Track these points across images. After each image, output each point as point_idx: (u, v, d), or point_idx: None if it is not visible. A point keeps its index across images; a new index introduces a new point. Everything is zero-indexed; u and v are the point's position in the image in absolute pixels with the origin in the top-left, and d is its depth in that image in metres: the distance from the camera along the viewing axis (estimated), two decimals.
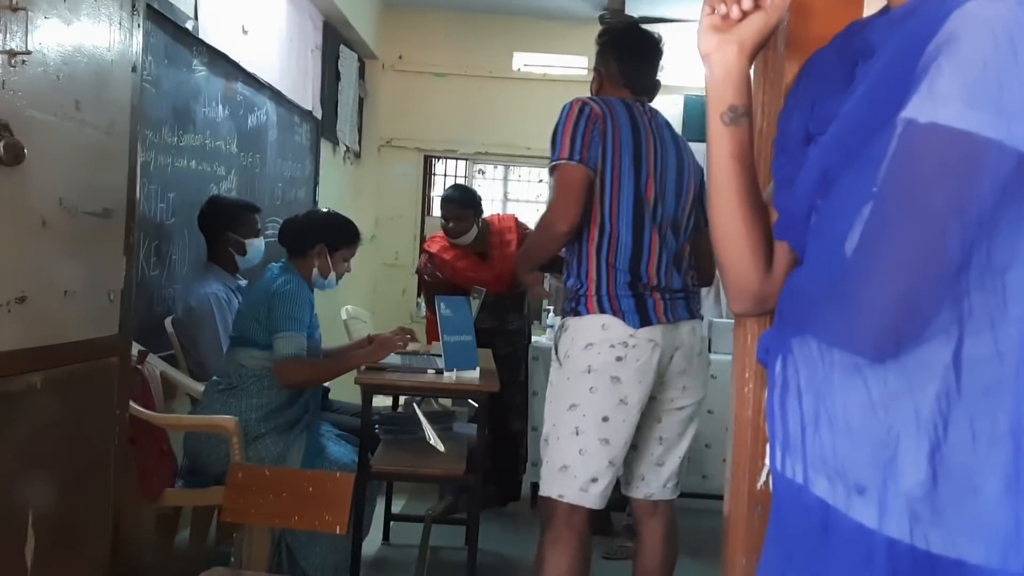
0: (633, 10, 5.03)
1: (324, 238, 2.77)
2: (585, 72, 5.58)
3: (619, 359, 2.02)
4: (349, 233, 2.87)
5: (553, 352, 2.15)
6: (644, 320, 2.04)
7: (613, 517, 3.42)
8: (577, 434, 2.03)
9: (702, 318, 2.21)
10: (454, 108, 6.05)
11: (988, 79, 0.70)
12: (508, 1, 5.67)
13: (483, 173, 6.37)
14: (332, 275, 2.81)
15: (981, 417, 0.75)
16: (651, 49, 2.29)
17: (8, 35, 1.42)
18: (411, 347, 2.98)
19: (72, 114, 1.63)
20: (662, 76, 2.35)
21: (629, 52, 2.26)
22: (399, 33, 6.02)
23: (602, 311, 2.04)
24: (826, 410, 0.81)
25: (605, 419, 2.02)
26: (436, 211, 6.45)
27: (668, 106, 6.00)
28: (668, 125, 2.25)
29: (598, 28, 2.91)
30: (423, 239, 6.27)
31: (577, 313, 2.08)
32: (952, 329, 0.75)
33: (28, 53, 1.46)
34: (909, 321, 0.75)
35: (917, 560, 0.76)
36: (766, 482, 1.30)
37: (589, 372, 2.03)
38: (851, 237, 0.78)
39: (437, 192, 6.50)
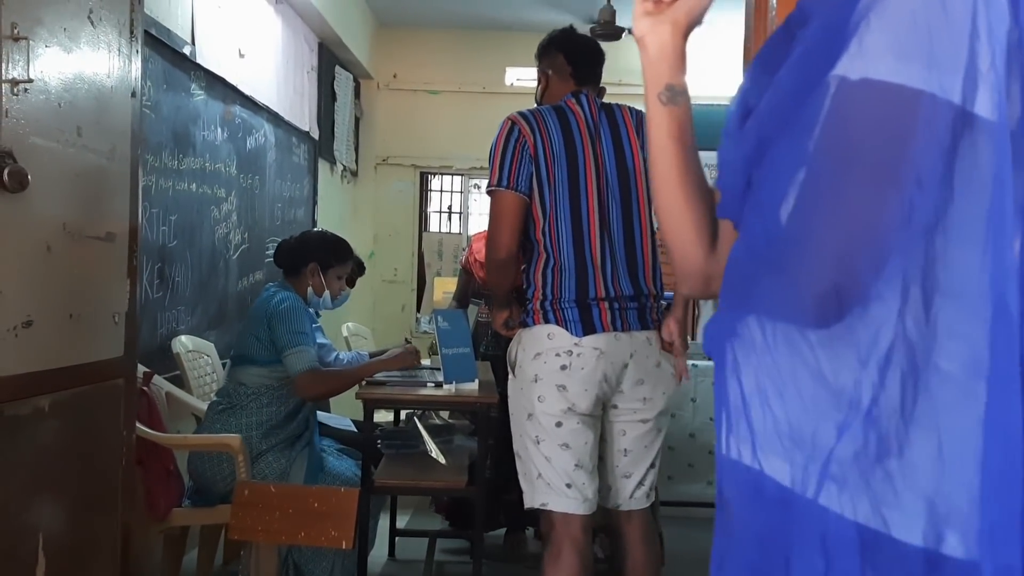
0: (623, 24, 5.08)
1: (316, 257, 2.82)
2: None
3: (564, 367, 2.04)
4: (340, 251, 2.92)
5: (508, 364, 2.18)
6: (588, 328, 2.05)
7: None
8: (538, 443, 2.06)
9: (658, 328, 2.13)
10: (449, 124, 6.10)
11: (918, 31, 0.68)
12: (499, 17, 5.73)
13: (478, 188, 6.41)
14: (327, 294, 2.85)
15: (918, 383, 0.71)
16: (590, 40, 2.41)
17: (10, 64, 1.45)
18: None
19: (74, 140, 1.66)
20: None
21: (571, 43, 2.33)
22: (393, 52, 6.07)
23: (547, 321, 2.07)
24: (775, 386, 0.79)
25: (559, 424, 2.04)
26: (433, 227, 6.49)
27: None
28: (620, 122, 2.20)
29: None
30: (421, 255, 6.30)
31: (526, 324, 2.12)
32: (894, 290, 0.71)
33: (30, 81, 1.50)
34: (849, 283, 0.72)
35: (880, 545, 0.72)
36: None
37: (536, 381, 2.05)
38: (786, 203, 0.76)
39: (433, 208, 6.54)
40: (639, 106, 1.89)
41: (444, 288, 5.54)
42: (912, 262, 0.71)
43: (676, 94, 0.91)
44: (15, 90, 1.46)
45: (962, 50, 0.67)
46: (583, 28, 5.42)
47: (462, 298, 3.72)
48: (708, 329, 0.87)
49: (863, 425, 0.72)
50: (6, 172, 1.42)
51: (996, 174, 0.67)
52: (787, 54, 0.81)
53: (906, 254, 0.71)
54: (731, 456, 0.83)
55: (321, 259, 2.84)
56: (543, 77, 2.35)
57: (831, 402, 0.75)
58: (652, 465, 2.20)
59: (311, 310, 2.88)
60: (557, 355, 2.05)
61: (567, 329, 2.06)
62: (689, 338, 2.23)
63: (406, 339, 3.40)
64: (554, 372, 2.04)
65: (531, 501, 2.10)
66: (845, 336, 0.74)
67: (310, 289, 2.82)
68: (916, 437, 0.71)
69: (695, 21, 0.91)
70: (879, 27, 0.69)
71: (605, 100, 2.30)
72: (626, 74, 3.64)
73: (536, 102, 2.39)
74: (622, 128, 2.20)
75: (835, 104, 0.72)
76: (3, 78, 1.43)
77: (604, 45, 2.46)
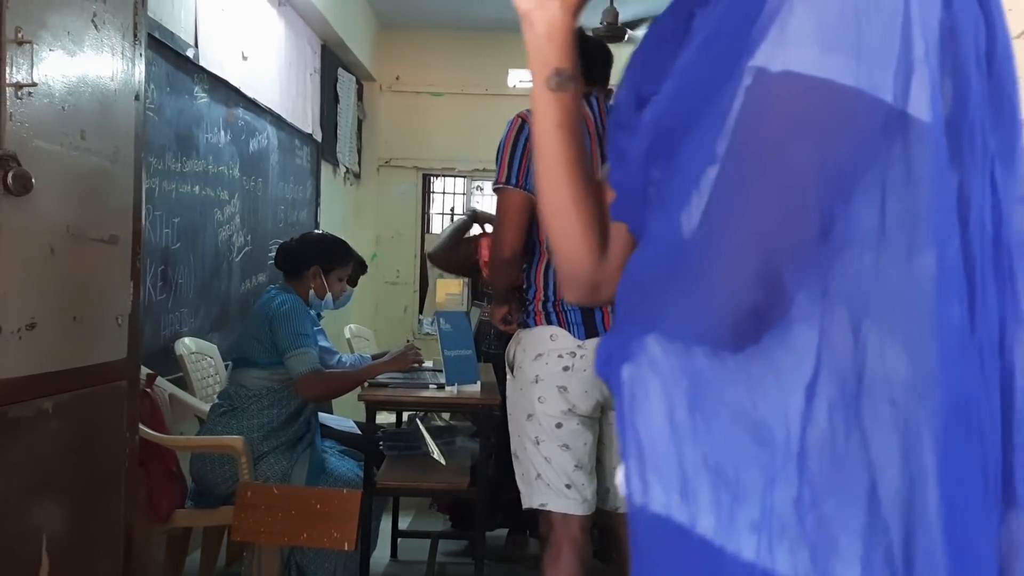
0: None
1: (318, 260, 2.83)
2: None
3: (566, 369, 2.05)
4: (342, 253, 2.93)
5: (507, 364, 2.18)
6: (591, 331, 2.06)
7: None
8: (538, 443, 2.06)
9: None
10: (451, 126, 6.11)
11: (846, 20, 0.60)
12: (501, 19, 5.73)
13: (481, 189, 6.41)
14: (329, 296, 2.86)
15: (849, 414, 0.62)
16: (599, 41, 2.40)
17: (14, 68, 1.46)
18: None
19: (78, 143, 1.66)
20: None
21: (579, 44, 2.33)
22: (396, 54, 6.09)
23: (549, 323, 2.08)
24: (686, 418, 0.68)
25: (559, 426, 2.05)
26: (435, 228, 6.50)
27: None
28: None
29: None
30: (423, 257, 6.31)
31: (527, 325, 2.12)
32: (817, 309, 0.63)
33: (34, 85, 1.50)
34: (767, 300, 0.63)
35: None
36: None
37: (537, 382, 2.06)
38: (694, 206, 0.66)
39: (436, 210, 6.54)
40: None
41: (447, 290, 5.54)
42: (836, 278, 0.63)
43: (565, 79, 0.80)
44: (19, 93, 1.47)
45: (894, 41, 0.60)
46: (586, 30, 5.45)
47: (454, 238, 3.59)
48: (602, 350, 0.76)
49: (788, 463, 0.63)
50: (10, 175, 1.43)
51: (933, 179, 0.61)
52: (685, 35, 0.73)
53: (829, 269, 0.63)
54: (641, 503, 0.71)
55: (323, 261, 2.85)
56: None
57: (752, 437, 0.65)
58: None
59: (313, 312, 2.89)
60: (560, 356, 2.06)
61: (570, 331, 2.06)
62: None
63: (408, 340, 3.41)
64: (556, 373, 2.05)
65: (529, 502, 2.11)
66: (763, 361, 0.65)
67: (312, 291, 2.83)
68: (853, 476, 0.62)
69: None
70: (804, 12, 0.61)
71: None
72: None
73: None
74: None
75: (752, 98, 0.63)
76: (7, 82, 1.44)
77: (615, 46, 2.48)
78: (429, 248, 3.61)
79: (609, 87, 2.37)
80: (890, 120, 0.61)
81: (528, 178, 2.09)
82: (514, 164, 2.10)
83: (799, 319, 0.63)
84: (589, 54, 2.32)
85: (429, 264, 6.27)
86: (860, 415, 0.62)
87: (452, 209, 6.54)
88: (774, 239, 0.62)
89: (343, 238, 3.07)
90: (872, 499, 0.62)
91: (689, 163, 0.68)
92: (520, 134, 2.12)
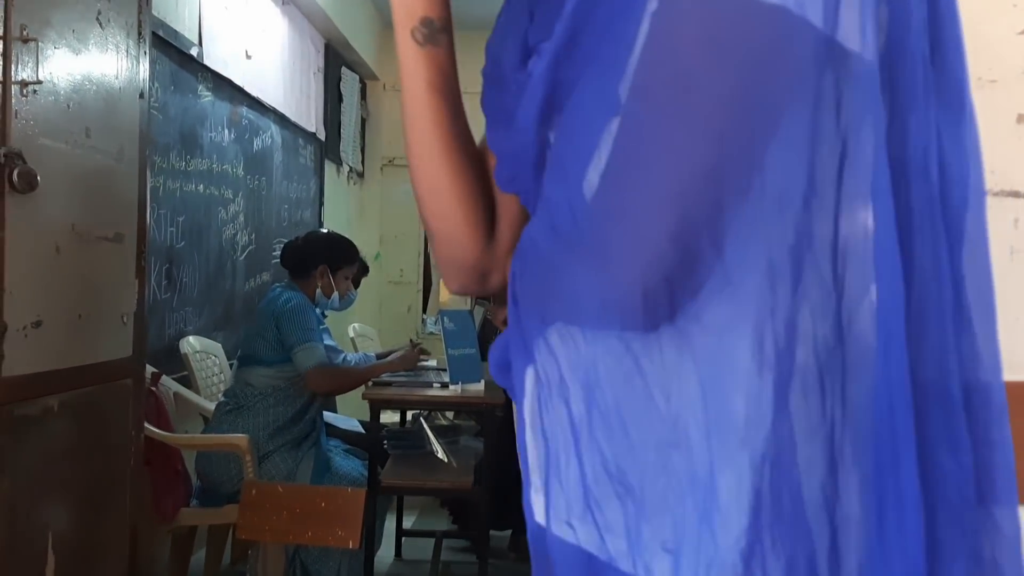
0: None
1: (326, 259, 2.83)
2: None
3: None
4: (349, 252, 2.93)
5: None
6: None
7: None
8: None
9: None
10: None
11: None
12: None
13: None
14: (335, 294, 2.86)
15: (791, 406, 0.53)
16: None
17: (20, 65, 1.46)
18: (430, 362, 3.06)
19: (82, 141, 1.66)
20: None
21: None
22: None
23: None
24: (596, 421, 0.57)
25: None
26: None
27: None
28: None
29: None
30: (427, 256, 6.31)
31: None
32: (738, 274, 0.53)
33: (39, 83, 1.50)
34: (683, 268, 0.52)
35: None
36: None
37: None
38: (595, 163, 0.55)
39: None
40: None
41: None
42: (759, 239, 0.52)
43: (436, 31, 0.69)
44: (24, 91, 1.47)
45: None
46: None
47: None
48: (497, 352, 0.67)
49: (705, 470, 0.53)
50: (16, 173, 1.43)
51: (867, 123, 0.52)
52: None
53: (751, 228, 0.52)
54: (543, 525, 0.61)
55: (330, 260, 2.85)
56: None
57: (666, 438, 0.55)
58: None
59: (317, 311, 2.89)
60: None
61: None
62: None
63: (411, 340, 3.41)
64: None
65: None
66: (678, 343, 0.54)
67: (318, 291, 2.83)
68: (787, 481, 0.53)
69: None
70: None
71: None
72: None
73: None
74: None
75: (658, 26, 0.52)
76: (12, 79, 1.44)
77: None
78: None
79: None
80: (819, 48, 0.51)
81: None
82: None
83: (719, 290, 0.53)
84: None
85: (432, 264, 6.30)
86: (788, 409, 0.52)
87: None
88: (689, 193, 0.51)
89: (347, 237, 3.08)
90: (797, 508, 0.52)
91: (589, 115, 0.56)
92: None
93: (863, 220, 0.52)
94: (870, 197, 0.52)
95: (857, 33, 0.51)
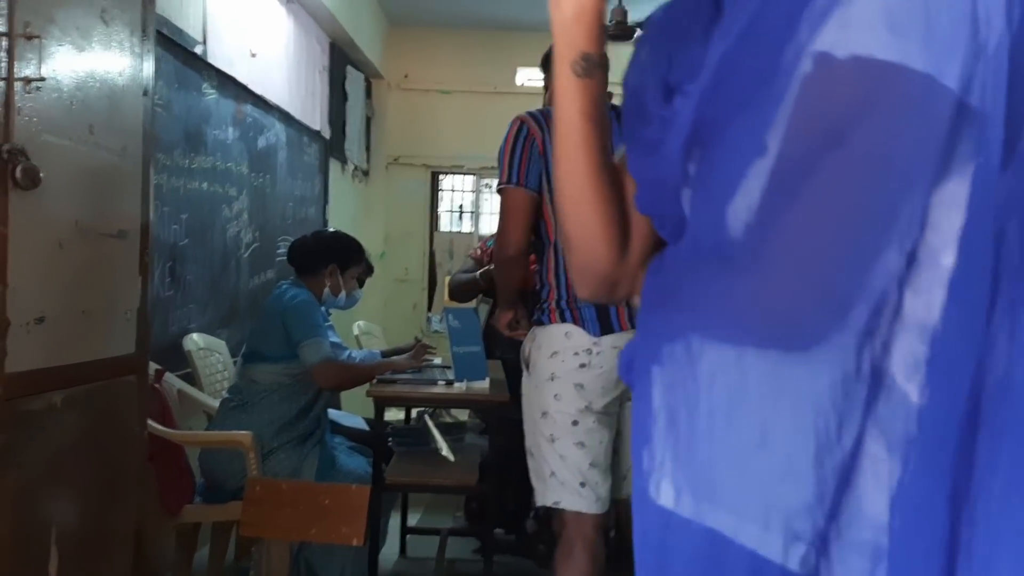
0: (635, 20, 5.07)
1: (335, 258, 2.84)
2: None
3: (583, 366, 2.04)
4: (358, 252, 2.95)
5: (522, 362, 2.18)
6: (606, 327, 2.05)
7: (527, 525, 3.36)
8: (552, 441, 2.06)
9: None
10: (460, 124, 6.10)
11: (913, 5, 0.59)
12: (510, 17, 5.72)
13: (489, 187, 6.41)
14: (343, 293, 2.87)
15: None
16: None
17: (23, 62, 1.46)
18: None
19: (86, 138, 1.67)
20: None
21: None
22: (404, 52, 6.09)
23: (563, 320, 2.07)
24: (727, 414, 0.66)
25: (575, 423, 2.04)
26: (444, 226, 6.50)
27: None
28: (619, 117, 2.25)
29: None
30: (432, 255, 6.31)
31: (541, 323, 2.12)
32: (866, 320, 0.61)
33: (42, 80, 1.51)
34: (830, 290, 0.61)
35: None
36: None
37: (553, 379, 2.05)
38: (738, 200, 0.65)
39: (445, 208, 6.54)
40: None
41: None
42: (904, 279, 0.60)
43: (593, 65, 0.77)
44: (28, 88, 1.47)
45: (962, 28, 0.58)
46: None
47: (462, 285, 3.63)
48: (627, 354, 0.75)
49: (845, 468, 0.60)
50: (19, 169, 1.43)
51: (983, 180, 0.59)
52: (711, 24, 0.69)
53: (887, 262, 0.60)
54: (670, 508, 0.68)
55: (341, 260, 2.85)
56: (550, 85, 2.37)
57: (810, 444, 0.62)
58: None
59: (323, 309, 2.89)
60: (576, 354, 2.05)
61: (584, 328, 2.06)
62: None
63: (416, 338, 3.41)
64: (572, 371, 2.04)
65: (543, 499, 2.10)
66: (821, 354, 0.62)
67: (327, 289, 2.83)
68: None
69: None
70: None
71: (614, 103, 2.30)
72: None
73: None
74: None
75: (813, 84, 0.61)
76: (16, 76, 1.44)
77: (615, 45, 2.47)
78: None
79: (609, 91, 2.35)
80: (958, 110, 0.59)
81: (528, 177, 2.12)
82: (514, 164, 2.12)
83: (850, 328, 0.60)
84: None
85: (437, 262, 6.30)
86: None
87: (461, 207, 6.54)
88: (845, 234, 0.60)
89: (353, 236, 3.08)
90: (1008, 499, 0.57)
91: (735, 155, 0.65)
92: (519, 135, 2.14)
93: (948, 263, 0.59)
94: (960, 246, 0.59)
95: (990, 98, 0.58)
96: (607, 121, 0.80)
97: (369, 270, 3.26)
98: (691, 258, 0.69)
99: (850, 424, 0.61)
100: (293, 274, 2.89)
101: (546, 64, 2.43)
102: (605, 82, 0.79)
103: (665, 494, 0.68)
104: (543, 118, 2.18)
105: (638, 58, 0.81)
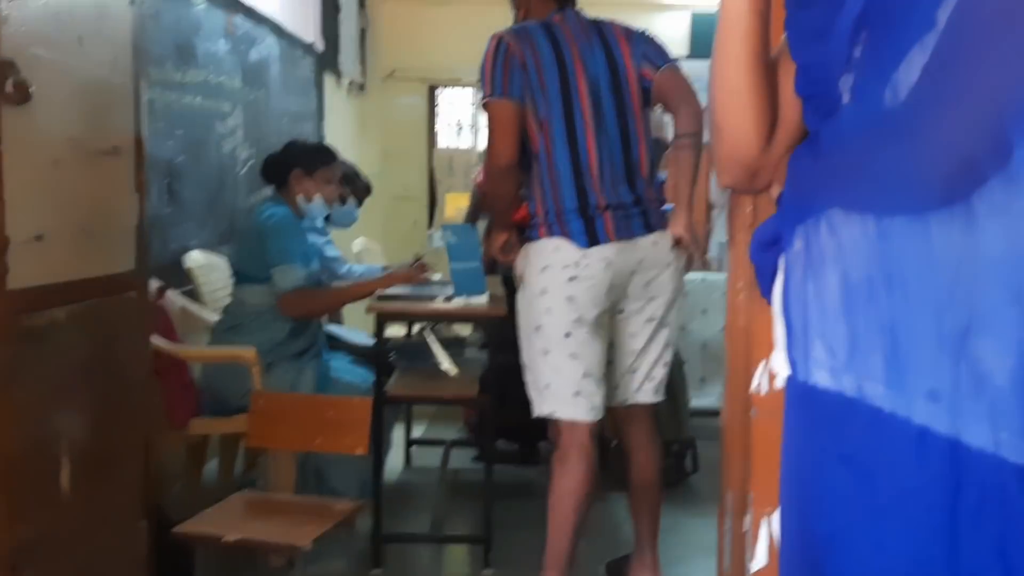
0: None
1: (299, 162, 2.81)
2: None
3: (572, 279, 2.06)
4: (323, 153, 2.90)
5: (515, 279, 2.20)
6: (593, 239, 2.07)
7: (541, 447, 3.43)
8: (546, 354, 2.09)
9: (665, 229, 2.14)
10: (458, 35, 5.94)
11: None
12: None
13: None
14: (319, 199, 2.82)
15: None
16: None
17: None
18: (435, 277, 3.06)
19: (75, 50, 1.63)
20: None
21: None
22: None
23: (552, 234, 2.09)
24: (867, 285, 0.67)
25: (568, 335, 2.07)
26: (443, 142, 6.42)
27: (674, 25, 5.90)
28: (608, 31, 2.20)
29: None
30: (431, 171, 6.26)
31: (531, 238, 2.14)
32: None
33: None
34: (988, 151, 0.59)
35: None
36: (758, 387, 1.34)
37: (544, 294, 2.08)
38: (901, 75, 0.65)
39: (444, 123, 6.45)
40: None
41: (456, 204, 5.51)
42: None
43: None
44: None
45: None
46: None
47: (474, 214, 3.72)
48: (765, 231, 0.79)
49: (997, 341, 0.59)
50: (11, 82, 1.41)
51: None
52: None
53: None
54: (802, 379, 0.73)
55: (304, 163, 2.81)
56: (523, 5, 2.30)
57: (943, 301, 0.62)
58: (660, 360, 2.24)
59: (316, 223, 2.88)
60: (565, 267, 2.07)
61: (573, 241, 2.07)
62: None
63: (416, 256, 3.41)
64: (562, 284, 2.06)
65: (539, 410, 2.15)
66: (968, 221, 0.61)
67: (300, 197, 2.80)
68: None
69: None
70: None
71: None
72: None
73: None
74: (611, 37, 2.20)
75: None
76: None
77: None
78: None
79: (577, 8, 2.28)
80: None
81: (512, 87, 2.10)
82: (496, 77, 2.11)
83: (1017, 177, 0.58)
84: None
85: (437, 179, 6.24)
86: None
87: (459, 122, 6.45)
88: (1008, 91, 0.58)
89: (350, 153, 3.04)
90: None
91: (903, 31, 0.66)
92: (499, 50, 2.12)
93: None
94: None
95: None
96: (771, 18, 0.84)
97: (367, 189, 3.24)
98: (851, 134, 0.71)
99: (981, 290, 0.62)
100: (273, 190, 2.87)
101: None
102: None
103: (805, 368, 0.72)
104: (522, 32, 2.16)
105: None
